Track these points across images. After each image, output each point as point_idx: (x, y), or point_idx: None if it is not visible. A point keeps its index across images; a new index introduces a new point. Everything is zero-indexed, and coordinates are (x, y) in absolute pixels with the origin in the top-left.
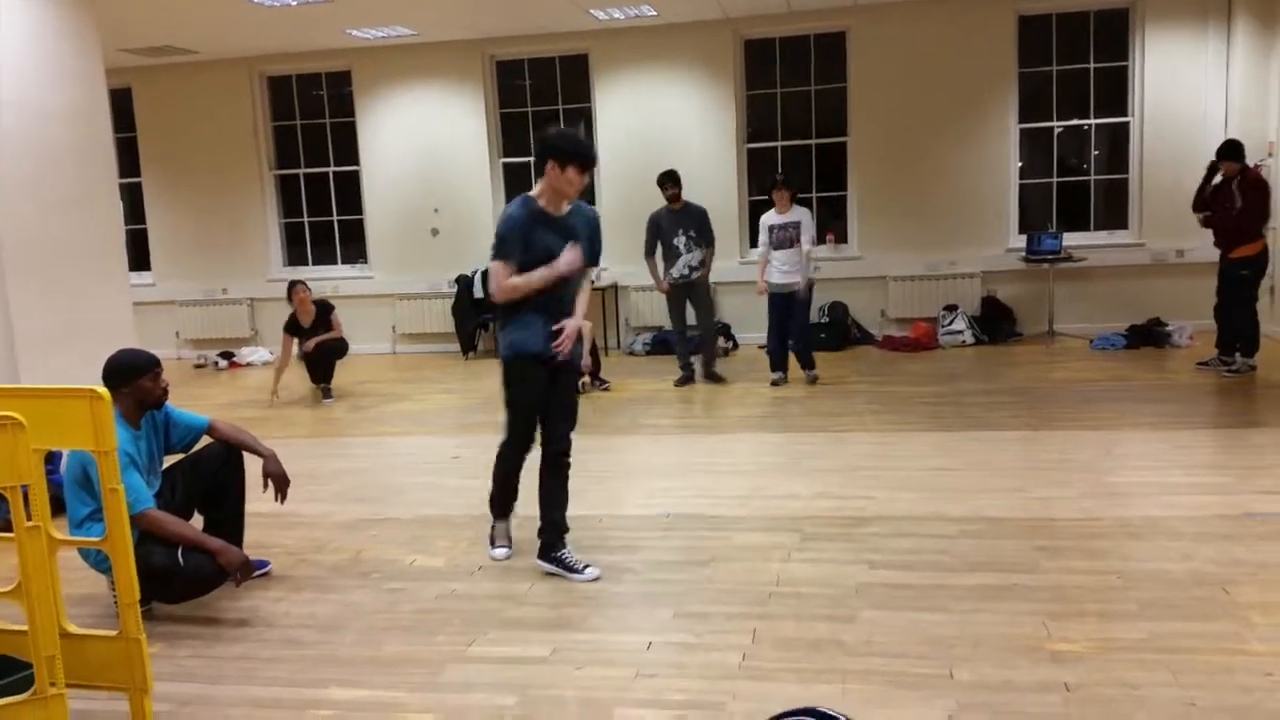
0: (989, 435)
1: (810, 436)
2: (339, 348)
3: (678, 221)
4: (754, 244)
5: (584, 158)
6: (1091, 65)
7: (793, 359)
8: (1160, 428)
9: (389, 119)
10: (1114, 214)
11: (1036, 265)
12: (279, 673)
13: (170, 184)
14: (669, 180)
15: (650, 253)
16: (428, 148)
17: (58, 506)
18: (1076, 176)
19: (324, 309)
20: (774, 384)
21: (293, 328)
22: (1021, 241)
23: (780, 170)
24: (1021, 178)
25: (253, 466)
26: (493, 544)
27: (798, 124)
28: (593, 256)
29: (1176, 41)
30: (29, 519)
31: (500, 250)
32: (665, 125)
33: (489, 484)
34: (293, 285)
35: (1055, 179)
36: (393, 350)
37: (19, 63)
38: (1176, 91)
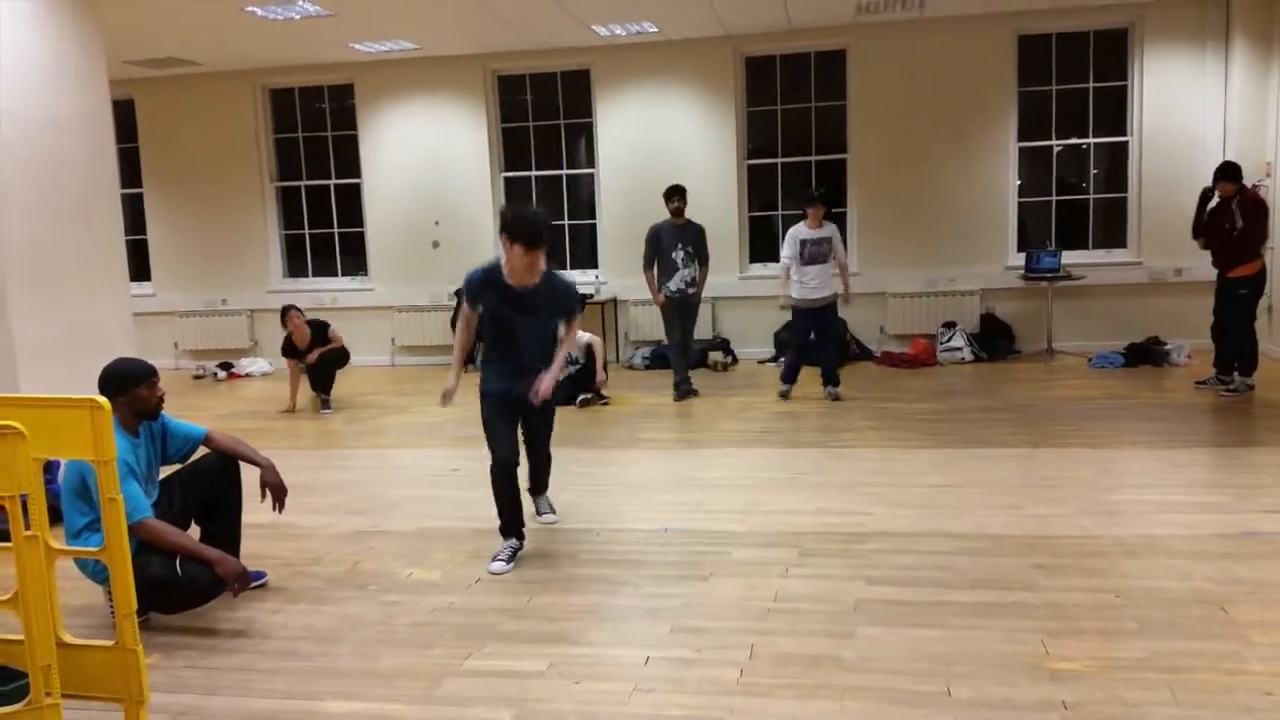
0: (988, 452)
1: (809, 452)
2: (341, 356)
3: (678, 236)
4: (754, 259)
5: (527, 236)
6: (1091, 85)
7: (810, 373)
8: (1158, 446)
9: (391, 132)
10: (1112, 233)
11: (1035, 283)
12: (275, 684)
13: (171, 195)
14: (676, 194)
15: (649, 265)
16: (429, 161)
17: (55, 516)
18: (1075, 195)
19: (319, 329)
20: (781, 395)
21: (289, 351)
22: (1020, 259)
23: (816, 187)
24: (1020, 196)
25: (250, 477)
26: (494, 558)
27: (798, 140)
28: (566, 314)
29: (1175, 62)
30: (27, 528)
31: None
32: (666, 141)
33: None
34: (286, 311)
35: (1054, 197)
36: (392, 362)
37: (23, 72)
38: (1175, 111)
